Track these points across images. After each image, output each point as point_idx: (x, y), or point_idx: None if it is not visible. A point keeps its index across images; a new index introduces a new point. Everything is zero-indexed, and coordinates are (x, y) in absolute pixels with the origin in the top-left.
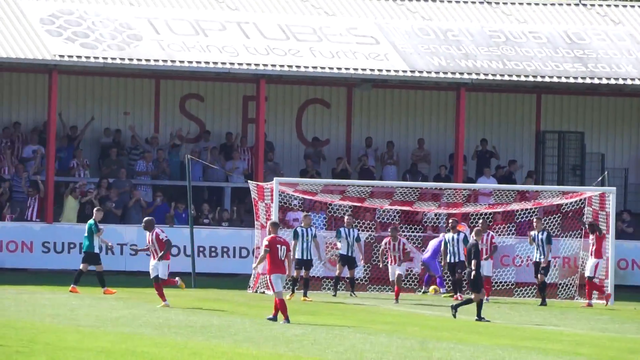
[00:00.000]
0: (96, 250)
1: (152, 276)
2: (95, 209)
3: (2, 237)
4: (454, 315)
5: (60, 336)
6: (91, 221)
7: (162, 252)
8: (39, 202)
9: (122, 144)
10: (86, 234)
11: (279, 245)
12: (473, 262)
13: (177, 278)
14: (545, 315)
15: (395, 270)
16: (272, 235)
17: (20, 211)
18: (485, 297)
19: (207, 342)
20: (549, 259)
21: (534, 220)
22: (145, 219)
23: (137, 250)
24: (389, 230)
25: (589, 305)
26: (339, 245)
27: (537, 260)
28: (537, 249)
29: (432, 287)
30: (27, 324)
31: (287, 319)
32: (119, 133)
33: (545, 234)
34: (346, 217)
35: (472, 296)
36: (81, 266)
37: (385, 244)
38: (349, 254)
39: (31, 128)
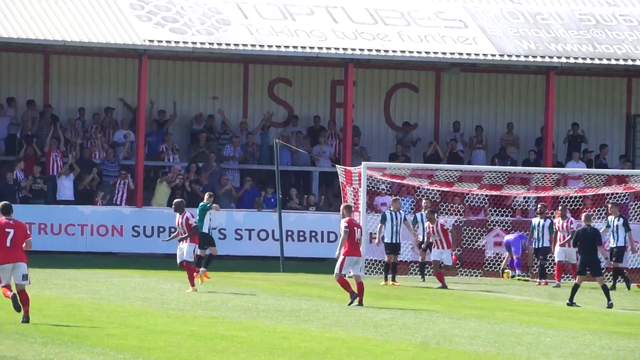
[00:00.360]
0: (205, 230)
1: (178, 261)
2: (207, 193)
3: (92, 221)
4: (610, 306)
5: (150, 320)
6: (202, 203)
7: (187, 235)
8: (128, 187)
9: (212, 128)
10: (198, 217)
11: (356, 228)
12: (599, 248)
13: (201, 269)
14: (636, 301)
15: (436, 256)
16: (348, 217)
17: (110, 195)
18: (558, 282)
19: (296, 326)
20: (635, 246)
21: (610, 205)
22: (176, 200)
23: (166, 241)
24: (426, 212)
25: None
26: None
27: (612, 246)
28: (612, 235)
29: (505, 272)
30: (118, 307)
31: (355, 297)
32: (212, 118)
33: (621, 220)
34: (423, 202)
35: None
36: (209, 250)
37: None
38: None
39: (122, 115)
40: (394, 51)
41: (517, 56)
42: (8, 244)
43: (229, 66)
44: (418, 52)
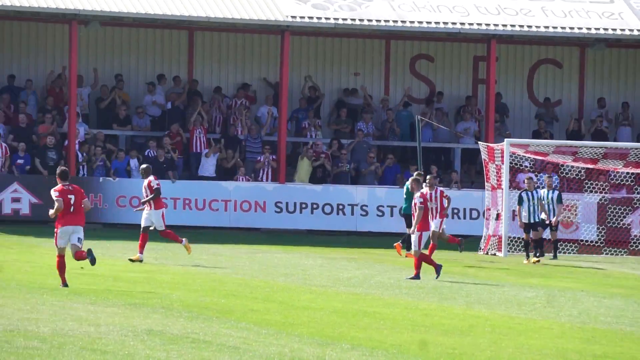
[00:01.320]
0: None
1: (142, 225)
2: (416, 172)
3: (236, 197)
4: None
5: (293, 295)
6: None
7: (148, 198)
8: (271, 163)
9: (353, 104)
10: (405, 196)
11: (429, 203)
12: None
13: (184, 239)
14: None
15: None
16: (421, 192)
17: (253, 172)
18: None
19: (439, 304)
20: None
21: None
22: (142, 166)
23: (137, 209)
24: (427, 178)
25: None
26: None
27: None
28: None
29: None
30: (262, 282)
31: (440, 268)
32: (351, 93)
33: None
34: (546, 179)
35: None
36: (409, 231)
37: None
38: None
39: (266, 90)
40: (537, 27)
41: None
42: (71, 209)
43: (371, 42)
44: (562, 28)
